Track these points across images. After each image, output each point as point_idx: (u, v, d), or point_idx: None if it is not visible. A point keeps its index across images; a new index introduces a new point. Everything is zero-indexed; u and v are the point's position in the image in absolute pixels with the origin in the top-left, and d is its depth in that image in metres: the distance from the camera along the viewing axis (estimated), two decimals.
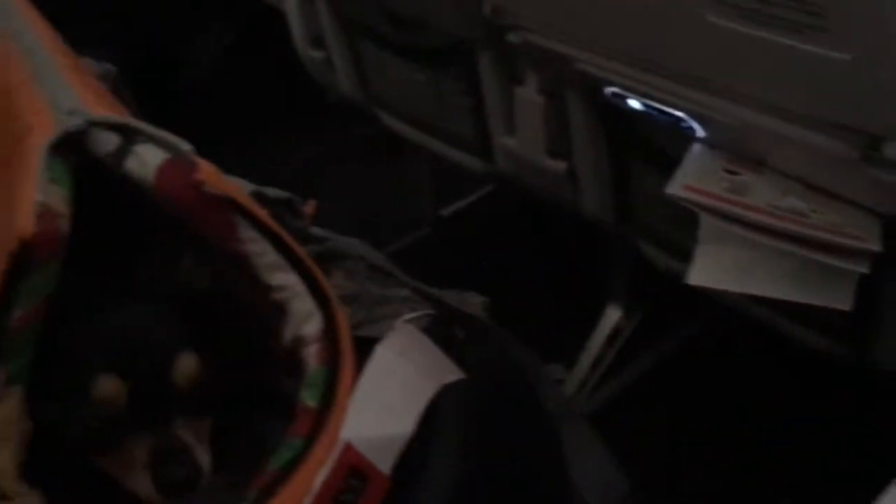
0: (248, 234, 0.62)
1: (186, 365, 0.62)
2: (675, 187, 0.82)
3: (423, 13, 1.14)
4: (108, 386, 0.60)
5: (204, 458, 0.60)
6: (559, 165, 1.15)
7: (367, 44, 1.36)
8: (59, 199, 0.56)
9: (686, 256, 1.12)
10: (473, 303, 0.78)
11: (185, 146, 0.60)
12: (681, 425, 1.32)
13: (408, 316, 0.67)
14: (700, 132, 0.86)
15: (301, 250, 0.62)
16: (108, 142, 0.63)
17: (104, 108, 0.65)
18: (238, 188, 0.62)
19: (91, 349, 0.61)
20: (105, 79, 0.77)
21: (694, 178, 0.83)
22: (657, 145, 1.03)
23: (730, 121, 0.82)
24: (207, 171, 0.61)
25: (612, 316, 1.45)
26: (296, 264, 0.62)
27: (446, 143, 1.33)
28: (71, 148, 0.60)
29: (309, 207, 0.66)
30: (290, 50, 1.51)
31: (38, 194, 0.55)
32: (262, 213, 0.61)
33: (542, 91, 1.11)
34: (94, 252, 0.58)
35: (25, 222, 0.54)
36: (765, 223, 0.79)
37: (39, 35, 0.70)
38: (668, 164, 1.06)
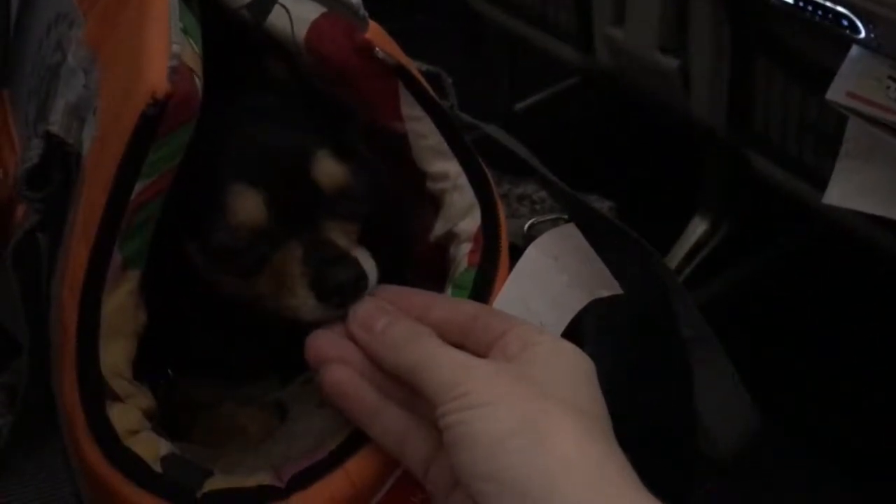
0: (411, 111, 0.52)
1: (327, 163, 0.50)
2: (837, 94, 0.73)
3: None
4: (241, 199, 0.49)
5: (368, 261, 0.50)
6: (671, 62, 1.06)
7: None
8: (192, 54, 0.46)
9: (805, 172, 1.04)
10: (601, 207, 0.70)
11: None
12: (748, 355, 1.23)
13: (545, 217, 0.59)
14: (863, 33, 0.76)
15: (465, 136, 0.53)
16: None
17: None
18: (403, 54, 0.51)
19: (215, 163, 0.50)
20: None
21: (856, 85, 0.73)
22: (793, 47, 0.93)
23: None
24: (376, 32, 0.50)
25: (697, 228, 1.37)
26: (460, 151, 0.53)
27: (542, 30, 1.23)
28: None
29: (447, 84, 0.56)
30: None
31: (174, 44, 0.44)
32: (430, 89, 0.52)
33: None
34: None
35: (156, 76, 0.43)
36: None
37: None
38: (802, 69, 0.96)
